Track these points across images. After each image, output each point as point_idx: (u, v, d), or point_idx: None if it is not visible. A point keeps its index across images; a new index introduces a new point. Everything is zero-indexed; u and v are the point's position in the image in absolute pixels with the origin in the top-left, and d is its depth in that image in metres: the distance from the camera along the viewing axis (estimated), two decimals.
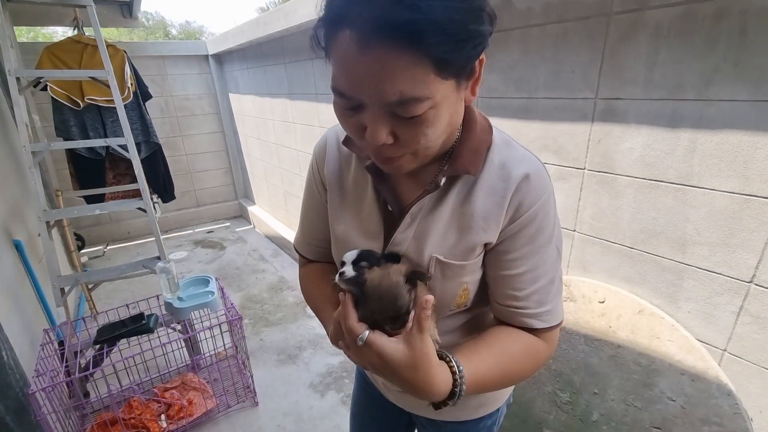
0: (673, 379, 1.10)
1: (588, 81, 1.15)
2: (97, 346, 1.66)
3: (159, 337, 1.85)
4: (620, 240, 1.20)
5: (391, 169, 0.53)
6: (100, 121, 2.41)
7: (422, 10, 0.38)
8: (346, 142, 0.63)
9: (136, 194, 2.59)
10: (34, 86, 2.02)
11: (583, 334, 1.28)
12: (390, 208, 0.60)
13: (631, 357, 1.17)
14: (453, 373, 0.49)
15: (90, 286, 2.49)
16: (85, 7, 1.84)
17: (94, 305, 2.54)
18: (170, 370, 1.88)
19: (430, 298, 0.46)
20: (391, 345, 0.47)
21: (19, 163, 2.26)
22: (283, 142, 3.30)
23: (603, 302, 1.25)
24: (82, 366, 1.71)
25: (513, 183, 0.54)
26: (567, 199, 1.31)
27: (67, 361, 1.60)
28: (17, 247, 1.82)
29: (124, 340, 1.68)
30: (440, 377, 0.48)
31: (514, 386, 0.77)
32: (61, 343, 1.70)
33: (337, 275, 0.57)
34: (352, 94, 0.45)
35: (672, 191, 1.05)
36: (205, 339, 1.96)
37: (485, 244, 0.57)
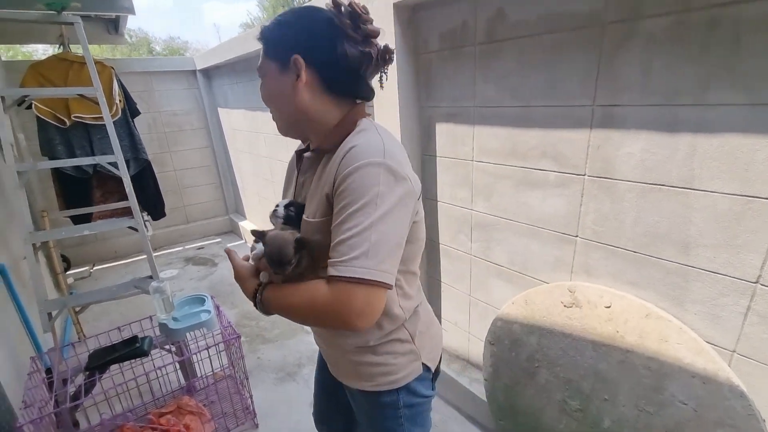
0: (683, 382, 1.09)
1: (585, 89, 1.17)
2: (87, 373, 1.59)
3: (153, 360, 1.78)
4: (623, 244, 1.21)
5: (280, 131, 0.85)
6: (87, 138, 2.36)
7: (264, 30, 0.78)
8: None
9: (125, 212, 2.53)
10: (19, 105, 1.97)
11: (590, 340, 1.27)
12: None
13: (640, 361, 1.17)
14: (258, 284, 0.79)
15: (77, 309, 2.40)
16: (72, 24, 1.81)
17: (81, 329, 2.44)
18: (165, 394, 1.81)
19: (229, 248, 0.87)
20: (237, 259, 0.86)
21: (1, 183, 2.18)
22: (276, 155, 3.27)
23: (609, 307, 1.24)
24: (72, 394, 1.63)
25: (342, 154, 0.70)
26: (568, 205, 1.32)
27: (55, 390, 1.52)
28: (0, 271, 1.74)
29: (115, 365, 1.62)
30: (251, 281, 0.81)
31: (402, 374, 0.87)
32: (48, 371, 1.63)
33: (272, 212, 0.84)
34: None
35: (674, 195, 1.07)
36: (201, 360, 1.90)
37: (326, 196, 0.72)
